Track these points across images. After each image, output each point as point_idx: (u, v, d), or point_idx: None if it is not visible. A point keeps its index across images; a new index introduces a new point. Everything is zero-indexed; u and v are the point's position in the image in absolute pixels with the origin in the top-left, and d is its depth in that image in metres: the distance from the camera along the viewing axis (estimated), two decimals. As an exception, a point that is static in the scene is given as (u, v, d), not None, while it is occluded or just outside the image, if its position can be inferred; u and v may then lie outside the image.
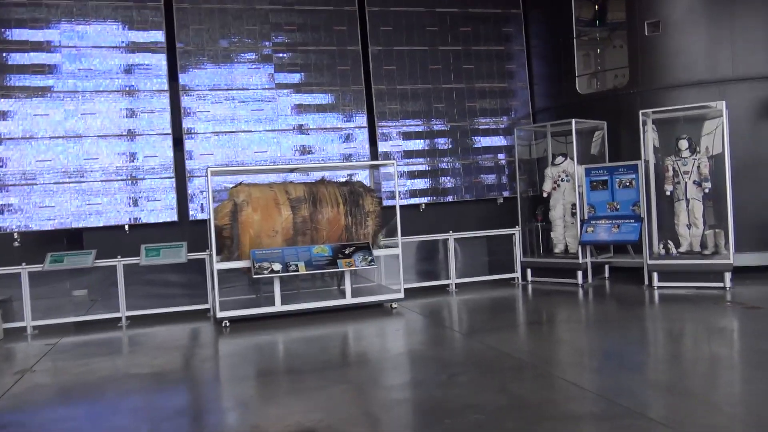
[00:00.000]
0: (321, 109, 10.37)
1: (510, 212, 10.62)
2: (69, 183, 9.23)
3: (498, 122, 11.25)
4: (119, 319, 8.32)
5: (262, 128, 10.08)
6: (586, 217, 9.33)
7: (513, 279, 9.94)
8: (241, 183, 8.08)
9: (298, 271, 7.53)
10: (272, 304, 7.75)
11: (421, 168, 10.84)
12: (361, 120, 10.56)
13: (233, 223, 7.69)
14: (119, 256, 8.30)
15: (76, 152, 9.29)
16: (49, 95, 9.22)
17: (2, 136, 9.02)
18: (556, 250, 9.92)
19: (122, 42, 9.55)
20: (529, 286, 9.60)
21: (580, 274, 9.18)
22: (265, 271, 7.44)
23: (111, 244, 9.22)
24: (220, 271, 7.68)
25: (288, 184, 8.18)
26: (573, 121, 9.20)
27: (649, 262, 8.64)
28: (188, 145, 9.74)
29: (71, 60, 9.32)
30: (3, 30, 9.07)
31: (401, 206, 10.53)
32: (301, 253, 7.70)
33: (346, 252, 7.82)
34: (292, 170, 8.83)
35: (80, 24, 9.37)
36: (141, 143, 9.53)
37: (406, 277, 9.65)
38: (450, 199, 10.99)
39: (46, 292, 9.59)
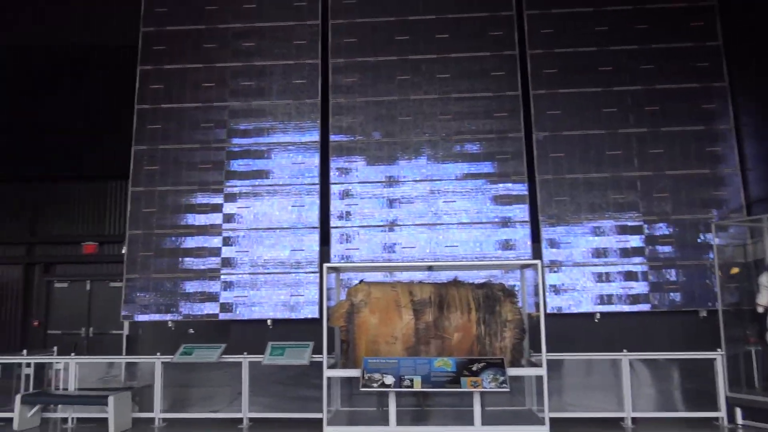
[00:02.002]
0: (478, 199, 9.41)
1: (716, 329, 8.34)
2: (222, 274, 9.39)
3: (697, 214, 9.16)
4: (242, 420, 7.92)
5: (410, 222, 9.40)
6: (819, 344, 6.84)
7: (716, 419, 7.60)
8: (362, 281, 7.37)
9: (412, 386, 6.43)
10: (387, 422, 6.68)
11: (597, 270, 9.15)
12: (523, 213, 9.34)
13: (349, 326, 6.94)
14: (245, 353, 8.02)
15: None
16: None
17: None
18: (778, 385, 7.43)
19: (279, 142, 9.76)
20: (739, 432, 7.22)
21: (813, 423, 6.64)
22: (375, 384, 6.46)
23: (257, 338, 9.07)
24: (337, 380, 6.91)
25: (414, 284, 7.25)
26: (793, 213, 6.99)
27: None
28: (336, 238, 9.40)
29: (236, 157, 9.74)
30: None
31: (570, 315, 9.02)
32: (419, 366, 6.60)
33: (474, 369, 6.53)
34: (428, 268, 7.91)
35: (243, 126, 9.82)
36: (289, 237, 9.43)
37: (568, 402, 7.97)
38: (634, 308, 9.03)
39: (213, 379, 9.69)
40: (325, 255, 9.37)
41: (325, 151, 9.71)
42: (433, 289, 7.11)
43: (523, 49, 9.84)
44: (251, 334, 9.31)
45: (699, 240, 9.08)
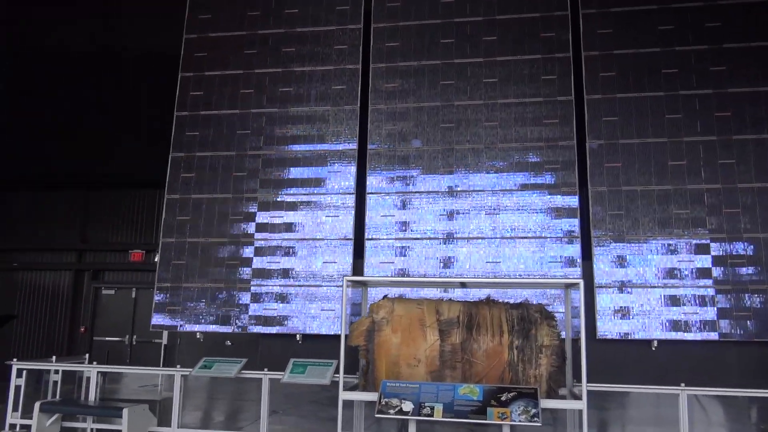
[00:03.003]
0: (523, 212, 8.71)
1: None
2: (252, 285, 9.09)
3: (766, 233, 8.13)
4: (261, 439, 7.51)
5: (451, 235, 8.80)
6: None
7: (793, 469, 6.57)
8: (385, 297, 6.82)
9: (432, 415, 5.81)
10: (408, 453, 6.10)
11: (657, 293, 8.24)
12: (573, 228, 8.56)
13: (369, 345, 6.40)
14: (266, 369, 7.61)
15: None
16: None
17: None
18: None
19: (316, 150, 9.41)
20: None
21: None
22: (392, 411, 5.89)
23: (286, 353, 8.69)
24: (360, 403, 6.41)
25: (442, 301, 6.63)
26: None
27: None
28: (371, 251, 8.92)
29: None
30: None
31: (624, 342, 8.15)
32: (442, 392, 5.98)
33: (503, 398, 5.83)
34: (461, 285, 7.28)
35: (280, 133, 9.54)
36: (322, 248, 9.03)
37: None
38: (698, 337, 8.05)
39: (246, 393, 9.41)
40: (358, 268, 8.91)
41: (362, 159, 9.28)
42: (463, 307, 6.48)
43: (578, 51, 9.11)
44: (281, 348, 8.95)
45: (776, 262, 8.04)
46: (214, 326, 9.12)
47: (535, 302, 7.61)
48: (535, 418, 5.68)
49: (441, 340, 6.27)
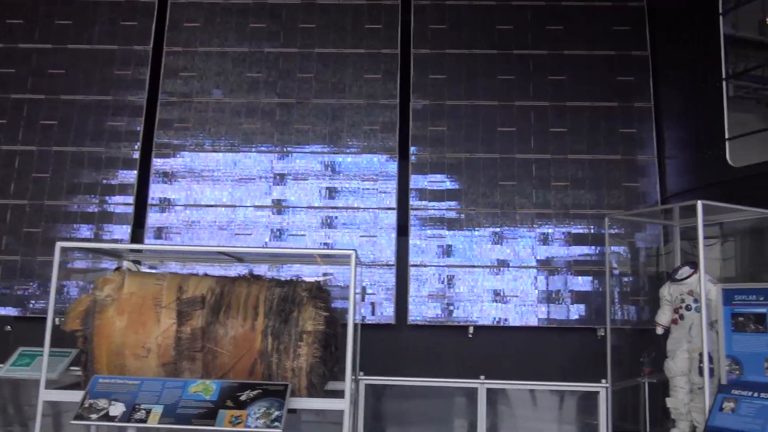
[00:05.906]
0: (334, 179, 7.57)
1: (613, 352, 6.59)
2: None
3: (603, 208, 7.40)
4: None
5: (249, 203, 7.52)
6: (724, 380, 5.06)
7: (596, 470, 5.85)
8: (117, 269, 5.46)
9: (146, 420, 4.52)
10: (130, 467, 4.77)
11: (475, 272, 7.33)
12: (389, 199, 7.51)
13: (86, 331, 5.01)
14: (-15, 361, 6.07)
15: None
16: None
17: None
18: (675, 430, 5.66)
19: (96, 98, 7.82)
20: (621, 490, 5.46)
21: (710, 486, 4.87)
22: (93, 415, 4.55)
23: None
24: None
25: (189, 276, 5.34)
26: (699, 203, 5.23)
27: None
28: (155, 218, 7.48)
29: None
30: None
31: (438, 328, 7.21)
32: (168, 390, 4.69)
33: (242, 398, 4.64)
34: (239, 260, 6.01)
35: (54, 73, 7.86)
36: (94, 213, 7.49)
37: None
38: (518, 322, 7.23)
39: None
40: (138, 237, 7.46)
41: (152, 110, 7.79)
42: (214, 284, 5.21)
43: (407, -1, 8.05)
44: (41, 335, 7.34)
45: (602, 242, 7.33)
46: None
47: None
48: (276, 423, 4.52)
49: (178, 325, 4.98)
